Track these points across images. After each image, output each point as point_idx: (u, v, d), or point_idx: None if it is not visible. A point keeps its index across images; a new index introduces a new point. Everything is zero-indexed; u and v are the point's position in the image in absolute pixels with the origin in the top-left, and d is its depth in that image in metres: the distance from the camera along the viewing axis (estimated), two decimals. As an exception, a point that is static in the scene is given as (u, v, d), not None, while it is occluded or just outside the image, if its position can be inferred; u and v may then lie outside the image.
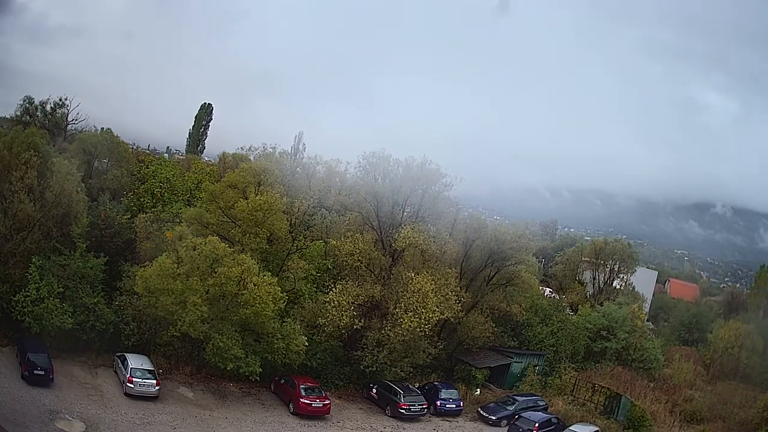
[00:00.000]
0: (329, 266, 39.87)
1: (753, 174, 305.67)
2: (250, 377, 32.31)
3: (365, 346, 36.59)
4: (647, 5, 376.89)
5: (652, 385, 46.87)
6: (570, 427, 35.93)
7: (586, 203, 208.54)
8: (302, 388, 33.15)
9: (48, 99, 54.77)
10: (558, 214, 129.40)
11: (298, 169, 49.51)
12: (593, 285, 60.28)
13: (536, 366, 44.29)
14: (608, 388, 41.58)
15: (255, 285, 31.21)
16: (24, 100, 54.40)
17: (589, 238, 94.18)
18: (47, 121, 54.40)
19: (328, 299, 36.36)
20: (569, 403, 40.65)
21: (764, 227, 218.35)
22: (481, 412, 37.67)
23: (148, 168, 44.85)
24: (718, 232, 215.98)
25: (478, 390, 40.90)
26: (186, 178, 45.16)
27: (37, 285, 30.85)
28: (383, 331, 36.32)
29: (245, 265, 31.49)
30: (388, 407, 35.74)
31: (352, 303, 36.33)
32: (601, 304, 52.94)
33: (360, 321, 36.28)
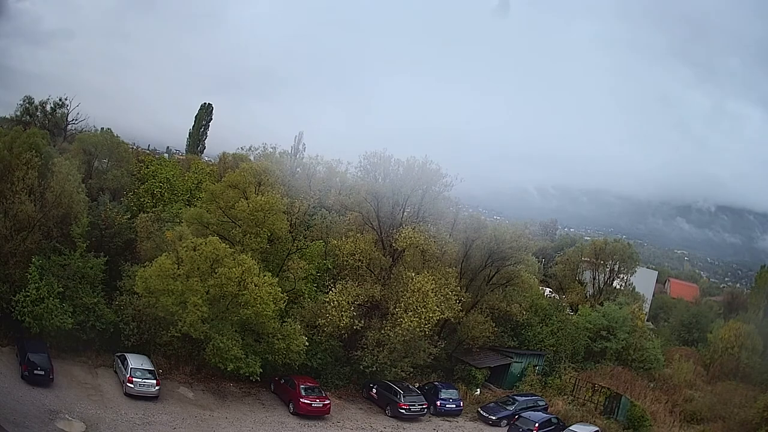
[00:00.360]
0: (329, 266, 39.87)
1: (744, 173, 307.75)
2: (251, 377, 32.30)
3: (365, 346, 36.59)
4: (642, 4, 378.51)
5: (652, 385, 46.84)
6: (570, 427, 35.92)
7: (576, 202, 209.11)
8: (302, 388, 33.17)
9: (48, 99, 55.02)
10: (549, 214, 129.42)
11: (298, 169, 49.56)
12: (593, 285, 60.13)
13: (536, 366, 44.29)
14: (608, 388, 41.57)
15: (255, 285, 31.20)
16: (24, 100, 54.61)
17: (588, 238, 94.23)
18: (47, 121, 54.54)
19: (328, 299, 36.37)
20: (569, 403, 40.64)
21: (750, 225, 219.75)
22: (481, 412, 37.68)
23: (148, 168, 44.81)
24: (712, 231, 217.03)
25: (478, 390, 40.91)
26: (186, 178, 45.13)
27: (37, 285, 30.85)
28: (383, 331, 36.33)
29: (246, 266, 31.48)
30: (388, 407, 35.74)
31: (352, 303, 36.33)
32: (601, 304, 52.86)
33: (360, 321, 36.28)
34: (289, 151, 54.26)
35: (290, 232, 37.57)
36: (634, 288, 61.25)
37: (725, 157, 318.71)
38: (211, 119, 75.92)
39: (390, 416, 35.42)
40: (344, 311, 35.73)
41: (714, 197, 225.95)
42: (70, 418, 26.78)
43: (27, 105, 54.62)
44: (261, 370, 32.23)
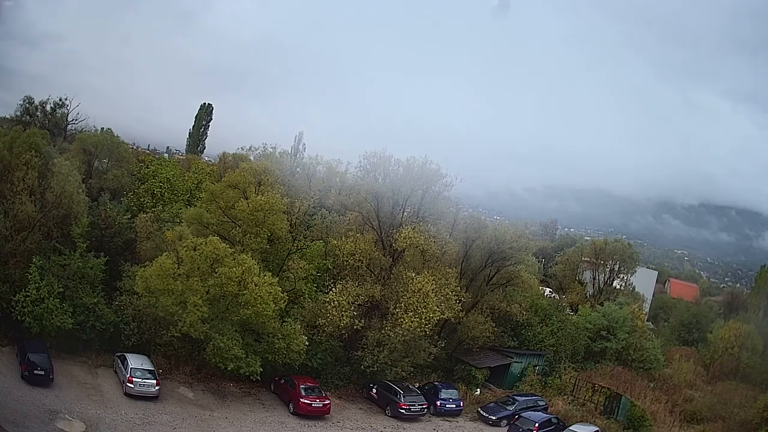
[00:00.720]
0: (329, 266, 39.87)
1: (731, 170, 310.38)
2: (251, 377, 32.29)
3: (365, 346, 36.59)
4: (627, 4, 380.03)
5: (652, 385, 46.85)
6: (570, 427, 35.92)
7: (568, 201, 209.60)
8: (302, 388, 33.16)
9: (48, 99, 55.00)
10: (549, 214, 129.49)
11: (298, 169, 49.64)
12: (593, 285, 60.17)
13: (536, 366, 44.28)
14: (608, 388, 41.56)
15: (255, 285, 31.19)
16: (24, 100, 54.57)
17: (588, 238, 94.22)
18: (47, 121, 54.51)
19: (328, 299, 36.37)
20: (569, 403, 40.64)
21: (735, 221, 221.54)
22: (481, 412, 37.68)
23: (148, 168, 44.86)
24: (707, 229, 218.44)
25: (478, 390, 40.91)
26: (186, 178, 45.17)
27: (37, 285, 30.82)
28: (383, 331, 36.33)
29: (246, 265, 31.47)
30: (388, 407, 35.74)
31: (353, 303, 36.33)
32: (601, 304, 52.88)
33: (360, 321, 36.28)
34: (289, 151, 54.42)
35: (290, 232, 37.57)
36: (634, 288, 61.30)
37: (711, 154, 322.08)
38: (211, 119, 76.04)
39: (390, 416, 35.42)
40: (344, 311, 35.74)
41: (698, 194, 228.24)
42: (70, 418, 26.77)
43: (27, 105, 54.63)
44: (261, 370, 32.20)
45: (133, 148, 60.49)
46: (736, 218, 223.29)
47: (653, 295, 75.82)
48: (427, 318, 35.66)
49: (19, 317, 30.55)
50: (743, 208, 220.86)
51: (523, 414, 36.37)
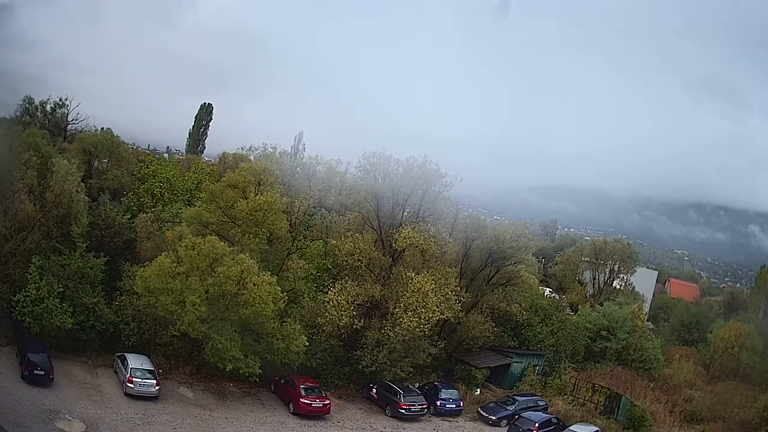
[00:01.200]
0: (329, 266, 39.85)
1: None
2: (250, 378, 32.30)
3: (365, 346, 36.59)
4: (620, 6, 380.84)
5: (652, 385, 46.85)
6: (570, 427, 35.92)
7: (564, 201, 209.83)
8: (302, 388, 33.16)
9: (48, 99, 54.98)
10: (549, 214, 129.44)
11: (298, 169, 49.74)
12: (593, 285, 60.24)
13: (536, 366, 44.27)
14: (608, 388, 41.56)
15: (254, 285, 31.14)
16: (24, 100, 54.51)
17: (588, 238, 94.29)
18: (47, 121, 54.50)
19: (327, 299, 36.38)
20: (569, 403, 40.63)
21: (722, 220, 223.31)
22: (481, 412, 37.68)
23: (148, 168, 44.87)
24: (699, 228, 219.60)
25: (478, 390, 40.90)
26: (186, 178, 45.17)
27: (37, 285, 30.83)
28: (383, 331, 36.34)
29: (245, 265, 31.41)
30: (388, 407, 35.73)
31: (352, 302, 36.33)
32: (601, 304, 52.90)
33: (360, 321, 36.28)
34: (289, 151, 54.48)
35: (290, 232, 37.55)
36: (634, 288, 61.37)
37: (707, 153, 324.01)
38: (211, 119, 76.03)
39: (390, 416, 35.41)
40: (344, 310, 35.74)
41: (691, 193, 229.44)
42: (70, 418, 26.76)
43: (27, 105, 54.61)
44: (260, 371, 32.15)
45: (133, 148, 60.51)
46: (723, 216, 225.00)
47: (653, 295, 75.85)
48: (427, 318, 35.66)
49: (19, 317, 30.56)
50: (731, 207, 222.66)
51: (523, 414, 36.36)
